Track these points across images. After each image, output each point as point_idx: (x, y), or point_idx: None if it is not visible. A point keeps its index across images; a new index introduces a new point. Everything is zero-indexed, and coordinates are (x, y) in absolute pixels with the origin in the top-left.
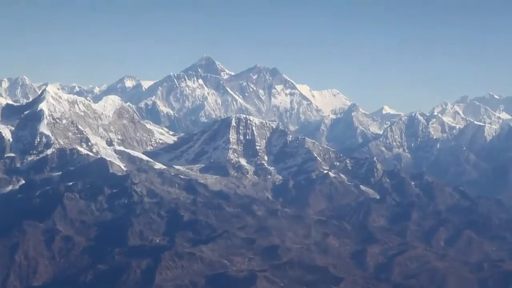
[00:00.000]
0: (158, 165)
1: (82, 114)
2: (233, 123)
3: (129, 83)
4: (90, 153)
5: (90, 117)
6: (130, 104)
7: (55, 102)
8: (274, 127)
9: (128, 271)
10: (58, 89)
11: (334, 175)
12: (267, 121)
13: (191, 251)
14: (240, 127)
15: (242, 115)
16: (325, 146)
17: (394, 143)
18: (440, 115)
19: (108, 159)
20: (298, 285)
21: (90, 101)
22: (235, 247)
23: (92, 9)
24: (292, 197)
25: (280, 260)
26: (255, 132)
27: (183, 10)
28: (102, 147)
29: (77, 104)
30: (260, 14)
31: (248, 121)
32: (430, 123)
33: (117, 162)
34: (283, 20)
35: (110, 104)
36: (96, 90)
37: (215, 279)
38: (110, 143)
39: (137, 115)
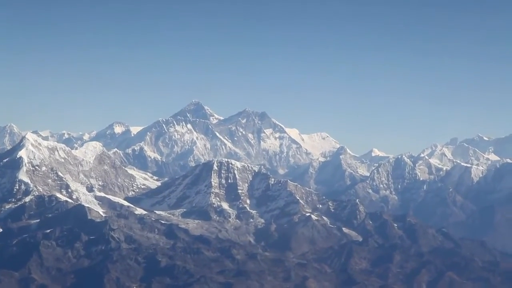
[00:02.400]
0: (139, 211)
1: (62, 160)
2: (215, 167)
3: (118, 129)
4: (69, 200)
5: (70, 164)
6: (117, 150)
7: (35, 149)
8: (256, 171)
9: None
10: (48, 136)
11: (316, 218)
12: (249, 165)
13: None
14: (222, 171)
15: (224, 159)
16: (307, 189)
17: (381, 185)
18: (427, 157)
19: (87, 205)
20: None
21: (76, 147)
22: None
23: (79, 56)
24: (274, 241)
25: None
26: (237, 176)
27: (171, 55)
28: (82, 193)
29: (57, 151)
30: (249, 59)
31: (230, 165)
32: (417, 165)
33: (97, 208)
34: (271, 64)
35: (91, 150)
36: (86, 136)
37: None
38: (90, 189)
39: (124, 161)
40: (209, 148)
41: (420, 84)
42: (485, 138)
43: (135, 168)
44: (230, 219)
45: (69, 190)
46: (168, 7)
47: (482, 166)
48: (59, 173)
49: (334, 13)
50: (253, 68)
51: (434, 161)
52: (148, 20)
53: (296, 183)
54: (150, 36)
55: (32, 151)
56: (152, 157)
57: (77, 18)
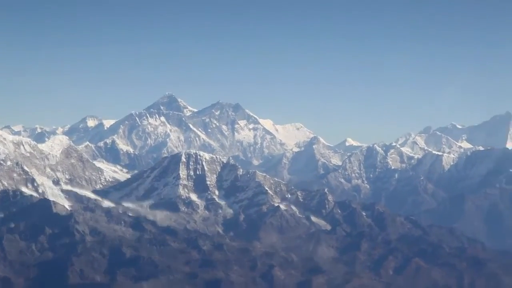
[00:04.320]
0: (107, 203)
1: (28, 155)
2: (183, 159)
3: (91, 123)
4: (35, 194)
5: (36, 158)
6: (89, 144)
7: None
8: (225, 162)
9: None
10: (21, 131)
11: (285, 208)
12: (217, 156)
13: None
14: (190, 163)
15: (192, 150)
16: (276, 179)
17: (353, 175)
18: (398, 146)
19: (52, 199)
20: None
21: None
22: (177, 282)
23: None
24: (243, 231)
25: None
26: (205, 167)
27: (144, 49)
28: (48, 187)
29: (23, 145)
30: (222, 51)
31: (198, 156)
32: (388, 154)
33: (64, 201)
34: (244, 56)
35: (58, 144)
36: (59, 130)
37: None
38: (57, 182)
39: (96, 154)
40: (183, 140)
41: (396, 72)
42: (458, 126)
43: (104, 161)
44: (198, 210)
45: (35, 184)
46: (140, 1)
47: (453, 154)
48: (25, 167)
49: (303, 4)
50: (226, 60)
51: (405, 149)
52: (120, 15)
53: (264, 174)
54: (122, 31)
55: None
56: (125, 150)
57: (49, 14)
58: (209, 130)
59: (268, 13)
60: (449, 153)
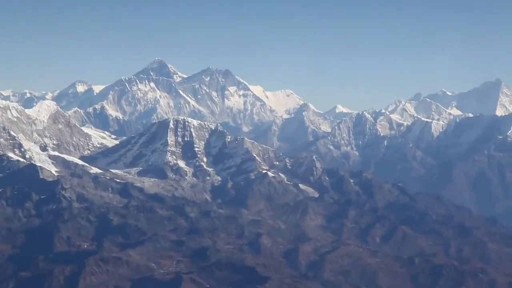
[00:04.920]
0: (94, 170)
1: (15, 120)
2: (171, 125)
3: (80, 88)
4: (22, 159)
5: (23, 123)
6: (78, 109)
7: None
8: (213, 128)
9: (51, 277)
10: (10, 95)
11: (273, 175)
12: (205, 123)
13: (118, 256)
14: (179, 129)
15: (180, 116)
16: (264, 146)
17: (342, 142)
18: (388, 113)
19: (39, 164)
20: (224, 286)
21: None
22: (164, 250)
23: (41, 13)
24: (231, 198)
25: (209, 262)
26: (193, 134)
27: (134, 14)
28: (35, 153)
29: (10, 110)
30: (212, 16)
31: (187, 123)
32: (378, 121)
33: (51, 167)
34: (234, 21)
35: (45, 109)
36: (48, 96)
37: (141, 282)
38: (44, 148)
39: (85, 120)
40: (173, 106)
41: (387, 39)
42: (448, 93)
43: (92, 127)
44: (186, 177)
45: (22, 149)
46: None
47: (443, 121)
48: (12, 132)
49: None
50: (217, 26)
51: (395, 116)
52: None
53: (252, 141)
54: None
55: None
56: (114, 116)
57: None
58: (199, 97)
59: None
60: (438, 120)
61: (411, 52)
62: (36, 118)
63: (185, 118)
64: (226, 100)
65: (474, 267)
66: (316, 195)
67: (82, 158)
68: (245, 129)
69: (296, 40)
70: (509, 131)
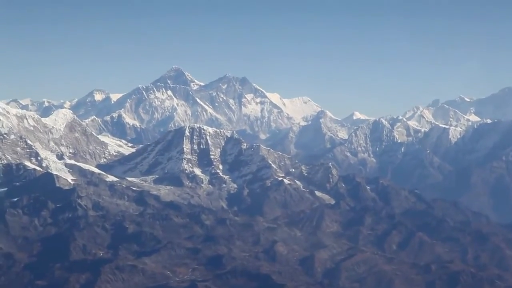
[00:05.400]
0: (110, 178)
1: (32, 128)
2: (187, 133)
3: (98, 97)
4: (38, 168)
5: (40, 132)
6: (96, 118)
7: (3, 117)
8: (229, 136)
9: (67, 286)
10: (28, 104)
11: (289, 182)
12: (221, 130)
13: (133, 264)
14: (194, 137)
15: (196, 124)
16: (280, 153)
17: (359, 148)
18: (405, 119)
19: (55, 173)
20: None
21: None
22: (179, 258)
23: (60, 22)
24: (247, 205)
25: (224, 269)
26: (209, 141)
27: (152, 23)
28: (52, 161)
29: (26, 119)
30: (229, 24)
31: (202, 130)
32: (395, 127)
33: (67, 175)
34: (251, 29)
35: (61, 118)
36: (67, 104)
37: None
38: (61, 157)
39: (103, 128)
40: (190, 114)
41: (405, 46)
42: (466, 99)
43: (109, 135)
44: (202, 185)
45: (39, 158)
46: None
47: (460, 127)
48: (28, 141)
49: None
50: (234, 34)
51: (412, 123)
52: None
53: (268, 148)
54: (130, 5)
55: (0, 119)
56: (131, 124)
57: None
58: (216, 104)
59: None
60: (456, 126)
61: (430, 59)
62: (53, 127)
63: (200, 125)
64: (243, 108)
65: (491, 273)
66: (332, 202)
67: (99, 166)
68: (263, 136)
69: (313, 47)
70: None
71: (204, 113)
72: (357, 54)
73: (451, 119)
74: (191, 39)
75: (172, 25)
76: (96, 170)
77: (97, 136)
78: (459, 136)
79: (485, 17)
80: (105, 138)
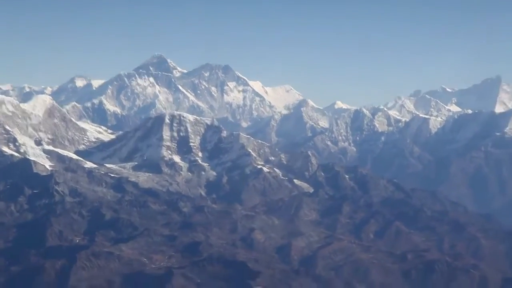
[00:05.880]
0: (89, 164)
1: (10, 114)
2: (167, 120)
3: (79, 83)
4: (16, 154)
5: (18, 117)
6: (76, 104)
7: None
8: (209, 124)
9: (42, 272)
10: (9, 90)
11: (268, 170)
12: (201, 118)
13: (109, 250)
14: (174, 124)
15: (175, 111)
16: (260, 141)
17: (340, 137)
18: (386, 109)
19: (33, 159)
20: (215, 281)
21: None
22: (156, 245)
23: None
24: (226, 193)
25: (201, 257)
26: (189, 129)
27: (134, 9)
28: (30, 147)
29: (5, 104)
30: (212, 12)
31: (182, 118)
32: (375, 117)
33: (45, 161)
34: (234, 17)
35: (41, 103)
36: (48, 90)
37: (131, 277)
38: (39, 142)
39: (84, 114)
40: (172, 101)
41: (388, 35)
42: (448, 90)
43: (89, 122)
44: (181, 172)
45: (17, 143)
46: None
47: (441, 118)
48: (6, 127)
49: None
50: (216, 21)
51: (393, 113)
52: None
53: (248, 136)
54: None
55: None
56: (112, 111)
57: None
58: (198, 92)
59: None
60: (436, 116)
61: (412, 48)
62: (32, 113)
63: (180, 113)
64: (225, 96)
65: (466, 263)
66: (311, 190)
67: (77, 152)
68: (244, 124)
69: (295, 36)
70: (507, 128)
71: (186, 100)
72: (340, 43)
73: (432, 109)
74: (174, 26)
75: (155, 12)
76: (75, 156)
77: (77, 122)
78: (439, 126)
79: (469, 8)
80: (85, 125)
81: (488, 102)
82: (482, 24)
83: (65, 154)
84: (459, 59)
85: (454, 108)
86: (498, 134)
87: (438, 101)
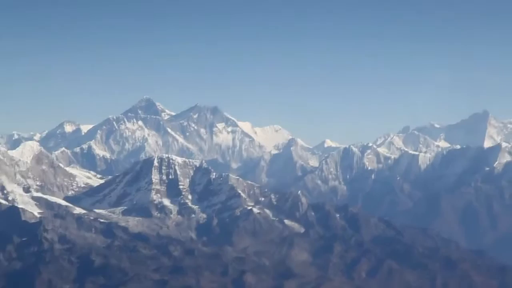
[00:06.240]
0: (78, 210)
1: None
2: (156, 163)
3: (68, 128)
4: (4, 202)
5: (6, 164)
6: (65, 150)
7: None
8: (198, 165)
9: None
10: None
11: (258, 211)
12: (190, 160)
13: None
14: (163, 167)
15: (164, 154)
16: (249, 182)
17: (330, 176)
18: (375, 146)
19: (21, 206)
20: None
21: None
22: None
23: (26, 56)
24: (216, 235)
25: None
26: (178, 171)
27: (120, 53)
28: (18, 194)
29: None
30: (198, 54)
31: (171, 160)
32: (365, 155)
33: (33, 209)
34: (222, 58)
35: (28, 150)
36: (37, 136)
37: None
38: (27, 189)
39: (73, 160)
40: (161, 144)
41: (377, 72)
42: (436, 126)
43: (77, 167)
44: (171, 215)
45: (5, 191)
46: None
47: (430, 154)
48: None
49: (280, 5)
50: (204, 63)
51: (382, 150)
52: (96, 17)
53: (238, 177)
54: (98, 34)
55: None
56: (101, 155)
57: (23, 19)
58: (187, 134)
59: (245, 15)
60: (425, 152)
61: (400, 84)
62: (20, 160)
63: (169, 155)
64: (214, 137)
65: None
66: (302, 230)
67: (66, 198)
68: (234, 165)
69: (283, 75)
70: (496, 163)
71: (176, 143)
72: (328, 81)
73: (421, 145)
74: (161, 69)
75: (142, 55)
76: (64, 203)
77: (65, 168)
78: (428, 163)
79: (454, 43)
80: (74, 170)
81: (476, 137)
82: (468, 57)
83: (54, 201)
84: (447, 94)
85: (443, 144)
86: (487, 169)
87: (427, 137)
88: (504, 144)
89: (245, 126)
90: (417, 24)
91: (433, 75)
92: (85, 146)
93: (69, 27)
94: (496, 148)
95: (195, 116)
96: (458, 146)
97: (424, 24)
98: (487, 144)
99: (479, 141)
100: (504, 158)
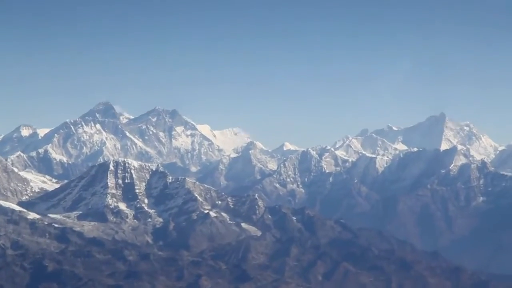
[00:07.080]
0: (32, 215)
1: None
2: (111, 167)
3: (25, 132)
4: None
5: None
6: (21, 154)
7: None
8: (154, 169)
9: None
10: None
11: (215, 215)
12: (146, 164)
13: None
14: (119, 171)
15: (120, 158)
16: (206, 186)
17: (288, 179)
18: (333, 150)
19: None
20: None
21: None
22: None
23: None
24: (173, 240)
25: None
26: (134, 175)
27: (78, 56)
28: None
29: None
30: (156, 56)
31: (127, 164)
32: (323, 158)
33: None
34: (180, 61)
35: None
36: None
37: None
38: None
39: (28, 164)
40: (119, 148)
41: (336, 73)
42: (394, 128)
43: (33, 172)
44: (127, 220)
45: None
46: (73, 7)
47: (387, 157)
48: None
49: (232, 6)
50: (162, 65)
51: (340, 153)
52: (52, 20)
53: (194, 180)
54: (57, 38)
55: None
56: (58, 160)
57: None
58: (146, 137)
59: (200, 15)
60: (383, 155)
61: (359, 87)
62: None
63: (125, 159)
64: (173, 140)
65: None
66: (259, 233)
67: (20, 203)
68: (193, 169)
69: (242, 77)
70: (451, 165)
71: (134, 146)
72: (287, 83)
73: (378, 148)
74: (119, 72)
75: (100, 58)
76: (17, 208)
77: (19, 172)
78: (385, 165)
79: (413, 46)
80: (28, 175)
81: (433, 140)
82: (426, 60)
83: (7, 206)
84: (404, 97)
85: (401, 147)
86: (443, 171)
87: (385, 140)
88: (459, 147)
89: (204, 129)
90: (373, 24)
91: (389, 77)
92: (41, 150)
93: (24, 30)
94: (452, 151)
95: (154, 120)
96: (415, 149)
97: (379, 26)
98: (444, 146)
99: (436, 143)
100: (460, 161)
